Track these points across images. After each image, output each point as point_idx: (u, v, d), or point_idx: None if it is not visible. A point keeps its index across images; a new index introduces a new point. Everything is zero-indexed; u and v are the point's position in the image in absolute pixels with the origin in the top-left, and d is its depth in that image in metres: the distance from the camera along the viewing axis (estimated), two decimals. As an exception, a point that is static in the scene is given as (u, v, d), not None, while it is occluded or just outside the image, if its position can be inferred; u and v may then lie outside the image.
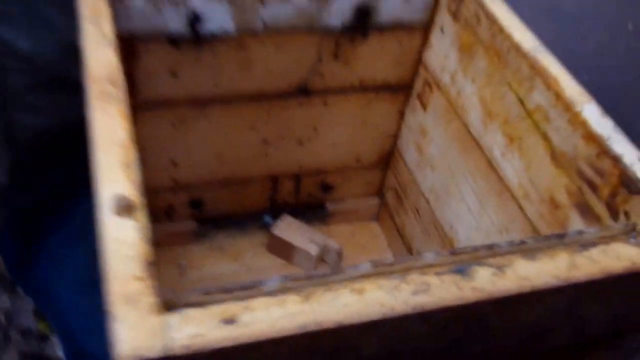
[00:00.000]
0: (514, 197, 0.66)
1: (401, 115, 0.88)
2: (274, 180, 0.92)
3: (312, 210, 0.98)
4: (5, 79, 0.74)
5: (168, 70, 0.74)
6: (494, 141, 0.68)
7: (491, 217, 0.70)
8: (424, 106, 0.83)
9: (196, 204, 0.91)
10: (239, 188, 0.92)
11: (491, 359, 0.49)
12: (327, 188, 0.96)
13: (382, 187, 0.98)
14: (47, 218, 0.94)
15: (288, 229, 0.94)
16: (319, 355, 0.40)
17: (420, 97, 0.83)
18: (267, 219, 0.97)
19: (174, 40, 0.72)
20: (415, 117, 0.85)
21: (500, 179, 0.68)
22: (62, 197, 0.94)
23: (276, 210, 0.96)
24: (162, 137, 0.81)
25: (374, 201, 1.00)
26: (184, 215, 0.92)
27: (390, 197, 0.96)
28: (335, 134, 0.88)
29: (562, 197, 0.58)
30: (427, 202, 0.85)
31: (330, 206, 0.98)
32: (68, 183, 0.93)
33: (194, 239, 0.94)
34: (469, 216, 0.74)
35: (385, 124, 0.89)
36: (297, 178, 0.93)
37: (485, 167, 0.70)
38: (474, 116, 0.72)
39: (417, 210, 0.88)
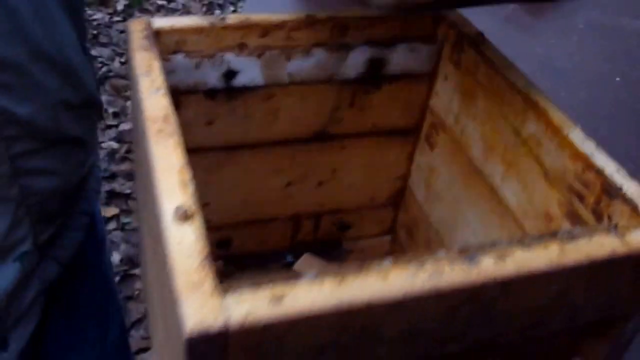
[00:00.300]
0: (514, 218, 0.72)
1: (411, 156, 0.95)
2: (296, 219, 0.98)
3: (330, 250, 1.03)
4: (11, 148, 0.74)
5: (204, 119, 0.82)
6: (495, 169, 0.75)
7: (494, 238, 0.76)
8: (432, 147, 0.90)
9: (223, 244, 0.97)
10: (263, 228, 0.98)
11: (497, 347, 0.55)
12: (344, 227, 1.02)
13: (394, 225, 1.04)
14: (56, 306, 0.96)
15: (309, 266, 0.99)
16: (351, 331, 0.45)
17: (427, 138, 0.90)
18: (289, 257, 1.02)
19: (210, 93, 0.80)
20: (423, 157, 0.92)
21: (501, 202, 0.74)
22: (81, 268, 0.97)
23: (296, 249, 1.01)
24: (196, 182, 0.87)
25: (387, 239, 1.05)
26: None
27: (402, 234, 1.02)
28: (351, 176, 0.95)
29: (555, 210, 0.65)
30: (437, 233, 0.91)
31: (346, 245, 1.04)
32: (84, 251, 0.97)
33: (220, 280, 0.99)
34: (474, 240, 0.80)
35: (396, 165, 0.96)
36: (316, 218, 0.99)
37: (488, 193, 0.76)
38: (476, 150, 0.78)
39: (428, 243, 0.94)
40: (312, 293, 0.44)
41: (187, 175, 0.52)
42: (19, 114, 0.72)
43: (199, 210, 0.49)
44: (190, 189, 0.51)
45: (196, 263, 0.45)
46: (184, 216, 0.48)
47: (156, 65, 0.66)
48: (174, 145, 0.56)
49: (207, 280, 0.44)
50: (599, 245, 0.50)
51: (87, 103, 0.85)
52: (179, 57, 0.77)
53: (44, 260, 0.85)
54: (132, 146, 0.78)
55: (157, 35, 0.73)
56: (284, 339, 0.44)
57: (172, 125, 0.58)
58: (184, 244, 0.47)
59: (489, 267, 0.47)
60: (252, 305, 0.43)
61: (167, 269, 0.46)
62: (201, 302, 0.43)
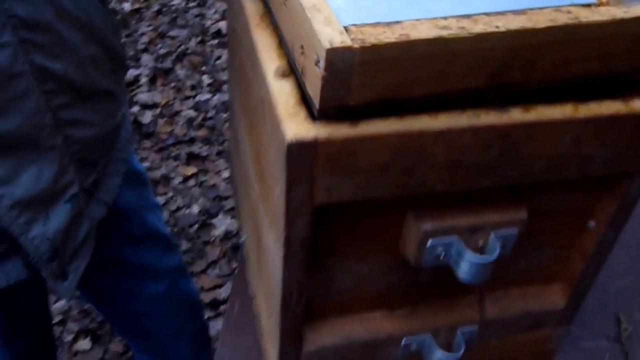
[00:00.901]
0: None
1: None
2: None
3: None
4: (51, 101, 0.78)
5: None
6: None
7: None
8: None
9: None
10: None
11: (523, 190, 0.64)
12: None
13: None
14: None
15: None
16: (407, 153, 0.56)
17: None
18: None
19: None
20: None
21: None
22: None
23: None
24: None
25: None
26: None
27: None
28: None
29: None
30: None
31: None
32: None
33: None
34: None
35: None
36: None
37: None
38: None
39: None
40: (379, 123, 0.55)
41: (282, 50, 0.63)
42: (54, 69, 0.77)
43: (292, 72, 0.60)
44: (285, 59, 0.62)
45: (293, 102, 0.56)
46: (282, 74, 0.60)
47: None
48: (269, 33, 0.67)
49: (301, 112, 0.55)
50: (606, 107, 0.59)
51: (111, 56, 0.89)
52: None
53: (91, 201, 0.91)
54: (229, 43, 0.89)
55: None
56: (357, 154, 0.54)
57: (266, 20, 0.69)
58: (284, 90, 0.57)
59: (516, 115, 0.57)
60: (334, 128, 0.54)
61: (272, 107, 0.57)
62: (297, 124, 0.54)
